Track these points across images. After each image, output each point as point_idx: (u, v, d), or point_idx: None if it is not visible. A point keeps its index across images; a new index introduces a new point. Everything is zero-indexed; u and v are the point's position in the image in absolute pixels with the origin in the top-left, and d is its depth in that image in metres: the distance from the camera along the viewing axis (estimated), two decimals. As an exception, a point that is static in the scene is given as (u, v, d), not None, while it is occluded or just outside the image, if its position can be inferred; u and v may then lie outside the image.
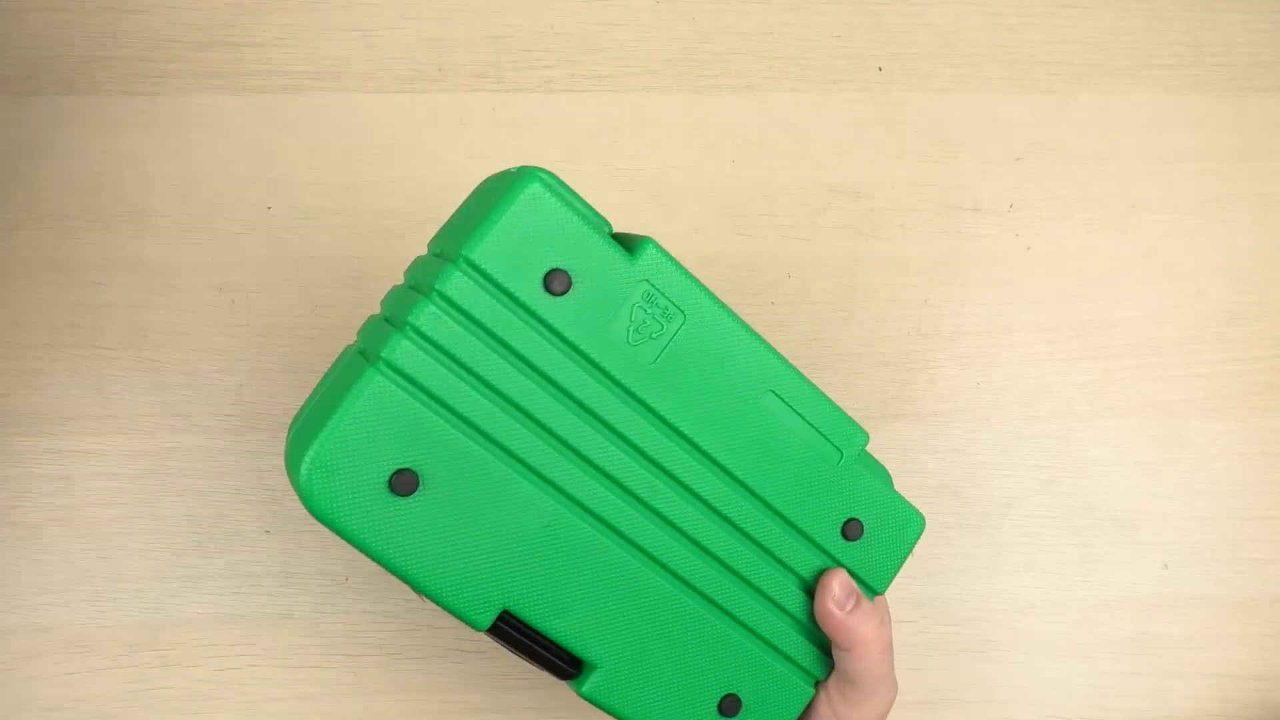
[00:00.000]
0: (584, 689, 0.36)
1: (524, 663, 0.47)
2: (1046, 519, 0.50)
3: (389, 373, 0.31)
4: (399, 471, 0.32)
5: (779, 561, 0.38)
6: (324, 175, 0.49)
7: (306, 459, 0.31)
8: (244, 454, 0.47)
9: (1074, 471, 0.50)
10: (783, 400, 0.36)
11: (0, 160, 0.48)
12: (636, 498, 0.35)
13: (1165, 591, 0.50)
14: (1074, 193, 0.52)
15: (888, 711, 0.39)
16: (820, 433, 0.37)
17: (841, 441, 0.38)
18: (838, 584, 0.37)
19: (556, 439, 0.34)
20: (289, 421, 0.38)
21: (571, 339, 0.33)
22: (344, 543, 0.46)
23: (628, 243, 0.34)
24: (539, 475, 0.34)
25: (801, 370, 0.37)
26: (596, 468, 0.35)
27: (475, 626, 0.34)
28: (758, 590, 0.38)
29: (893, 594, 0.48)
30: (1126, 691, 0.49)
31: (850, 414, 0.39)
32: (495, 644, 0.37)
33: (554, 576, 0.35)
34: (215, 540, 0.46)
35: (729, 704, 0.38)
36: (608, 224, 0.34)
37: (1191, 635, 0.50)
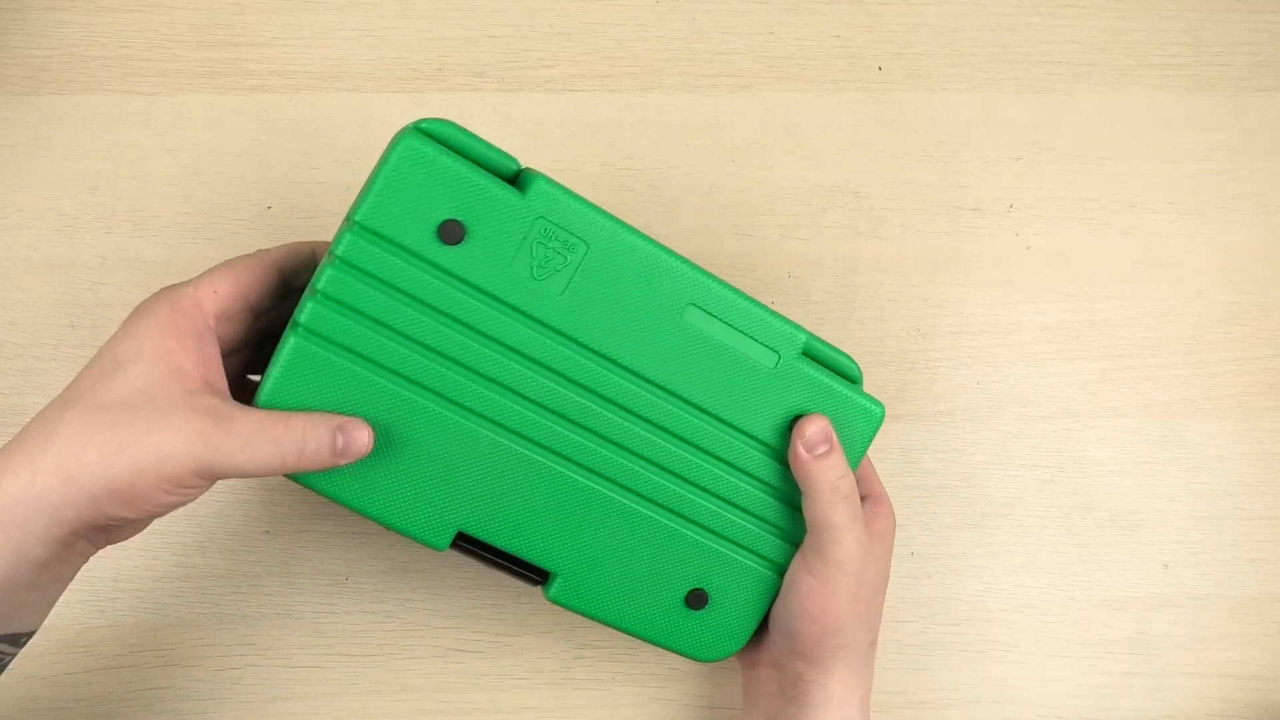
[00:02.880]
0: (549, 594, 0.39)
1: (521, 666, 0.47)
2: (1046, 519, 0.50)
3: (309, 336, 0.34)
4: None
5: (727, 464, 0.39)
6: (324, 175, 0.49)
7: None
8: (244, 454, 0.47)
9: (1074, 471, 0.50)
10: (707, 312, 0.38)
11: (0, 160, 0.48)
12: (567, 419, 0.37)
13: (1165, 591, 0.50)
14: (1074, 192, 0.52)
15: (859, 587, 0.38)
16: (751, 338, 0.38)
17: (776, 343, 0.38)
18: (811, 429, 0.38)
19: (478, 375, 0.36)
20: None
21: (474, 283, 0.35)
22: (343, 543, 0.46)
23: (524, 182, 0.36)
24: (467, 410, 0.36)
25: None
26: (522, 396, 0.37)
27: (435, 548, 0.37)
28: (708, 491, 0.39)
29: (893, 593, 0.48)
30: (1126, 691, 0.49)
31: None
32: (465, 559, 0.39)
33: (500, 499, 0.37)
34: (215, 540, 0.46)
35: (695, 597, 0.40)
36: (513, 161, 0.36)
37: (1191, 635, 0.50)
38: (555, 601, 0.39)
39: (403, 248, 0.34)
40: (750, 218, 0.51)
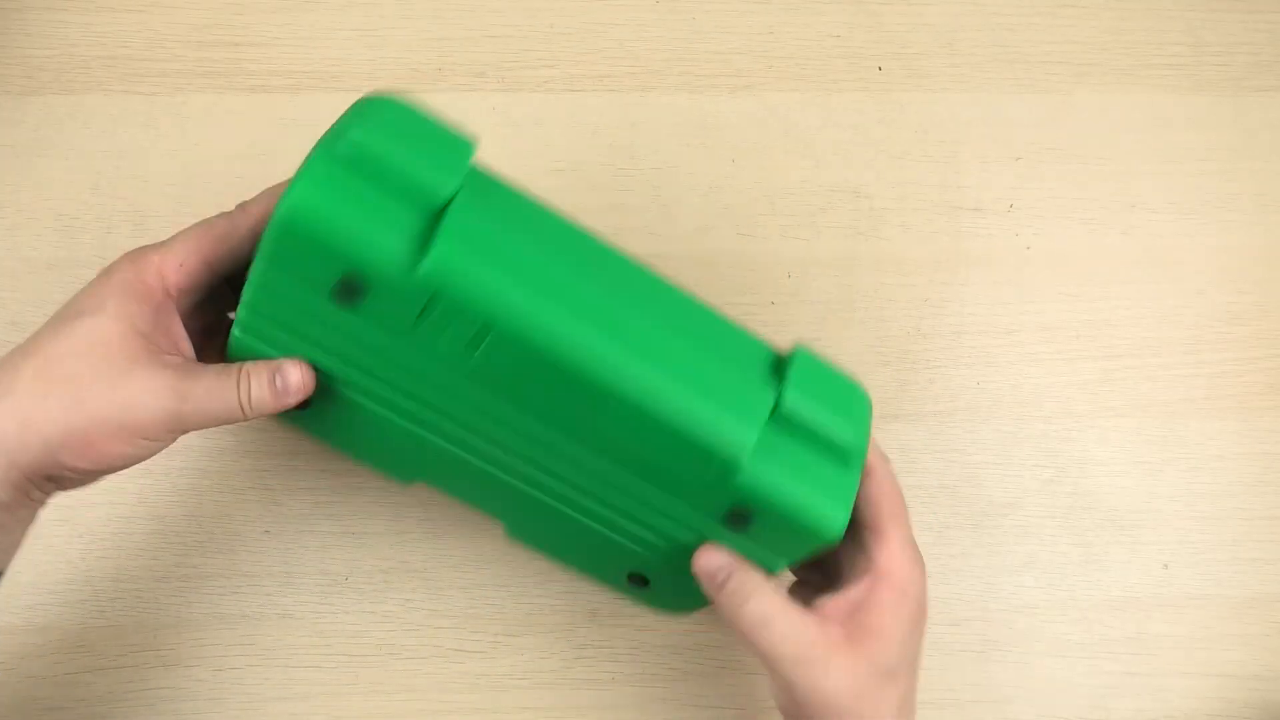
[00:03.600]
0: (508, 533, 0.41)
1: (521, 666, 0.47)
2: (1046, 519, 0.50)
3: (244, 331, 0.35)
4: None
5: (651, 528, 0.37)
6: (324, 175, 0.49)
7: None
8: (244, 454, 0.47)
9: (1074, 471, 0.50)
10: (636, 407, 0.32)
11: (0, 160, 0.48)
12: (487, 449, 0.36)
13: (1165, 591, 0.50)
14: (1074, 193, 0.52)
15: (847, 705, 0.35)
16: (690, 441, 0.32)
17: (719, 447, 0.32)
18: (701, 561, 0.36)
19: (397, 407, 0.36)
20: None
21: (375, 346, 0.33)
22: (343, 543, 0.46)
23: (436, 232, 0.31)
24: (395, 413, 0.36)
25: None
26: (441, 432, 0.36)
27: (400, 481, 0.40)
28: (638, 521, 0.37)
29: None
30: (1126, 691, 0.49)
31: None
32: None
33: (445, 476, 0.39)
34: (215, 540, 0.46)
35: (636, 579, 0.41)
36: (449, 182, 0.31)
37: (1191, 635, 0.50)
38: (516, 538, 0.41)
39: (299, 309, 0.33)
40: (750, 218, 0.51)
